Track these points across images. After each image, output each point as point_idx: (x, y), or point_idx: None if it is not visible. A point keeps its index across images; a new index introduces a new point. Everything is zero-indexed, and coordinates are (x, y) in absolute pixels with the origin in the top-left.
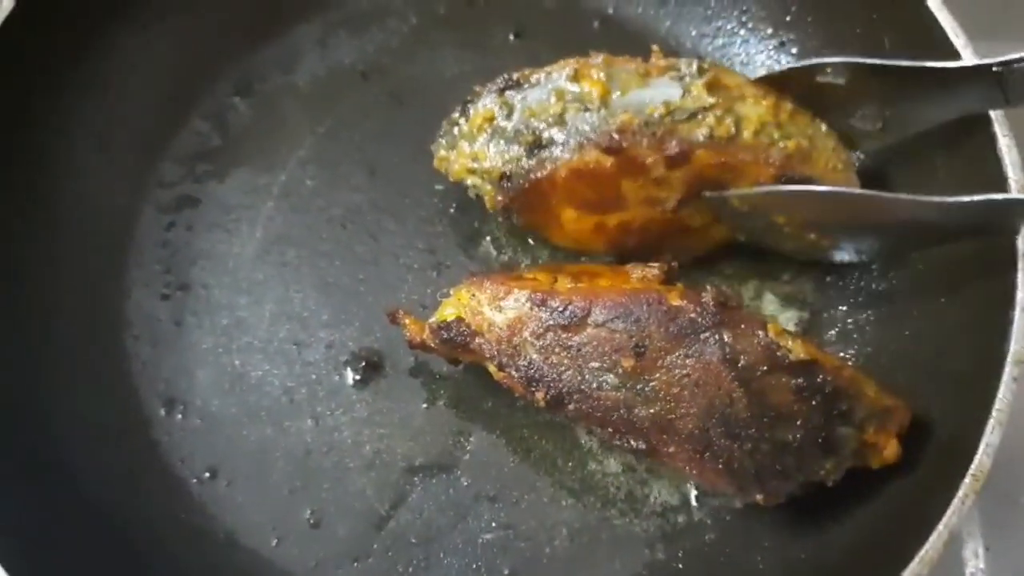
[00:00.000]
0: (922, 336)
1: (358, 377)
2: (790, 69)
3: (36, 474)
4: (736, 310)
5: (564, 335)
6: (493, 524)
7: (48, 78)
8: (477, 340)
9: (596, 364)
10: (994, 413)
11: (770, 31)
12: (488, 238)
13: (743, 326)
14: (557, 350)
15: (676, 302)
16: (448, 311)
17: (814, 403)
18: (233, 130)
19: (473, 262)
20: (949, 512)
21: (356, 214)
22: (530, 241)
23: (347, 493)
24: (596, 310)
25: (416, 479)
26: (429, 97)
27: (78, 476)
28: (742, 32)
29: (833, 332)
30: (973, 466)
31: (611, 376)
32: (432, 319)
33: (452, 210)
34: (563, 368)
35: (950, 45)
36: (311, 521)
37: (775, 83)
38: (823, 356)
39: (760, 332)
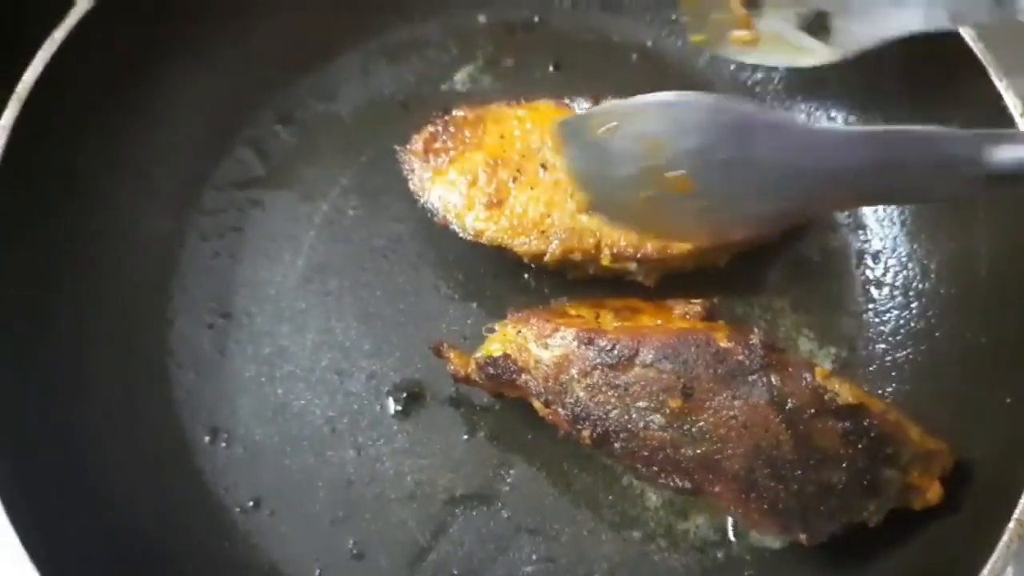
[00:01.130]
0: (962, 376)
1: (399, 407)
2: None
3: (77, 502)
4: (783, 353)
5: (611, 374)
6: (534, 557)
7: (92, 108)
8: (523, 377)
9: (643, 404)
10: None
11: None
12: (528, 272)
13: (790, 369)
14: (604, 389)
15: (724, 344)
16: (494, 347)
17: (860, 446)
18: (275, 158)
19: (514, 294)
20: (994, 557)
21: (398, 244)
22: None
23: (389, 524)
24: (644, 350)
25: (457, 511)
26: None
27: (120, 505)
28: (781, 67)
29: (871, 369)
30: (1018, 511)
31: (658, 416)
32: (478, 354)
33: None
34: (610, 407)
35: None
36: (354, 552)
37: None
38: (868, 399)
39: (807, 375)
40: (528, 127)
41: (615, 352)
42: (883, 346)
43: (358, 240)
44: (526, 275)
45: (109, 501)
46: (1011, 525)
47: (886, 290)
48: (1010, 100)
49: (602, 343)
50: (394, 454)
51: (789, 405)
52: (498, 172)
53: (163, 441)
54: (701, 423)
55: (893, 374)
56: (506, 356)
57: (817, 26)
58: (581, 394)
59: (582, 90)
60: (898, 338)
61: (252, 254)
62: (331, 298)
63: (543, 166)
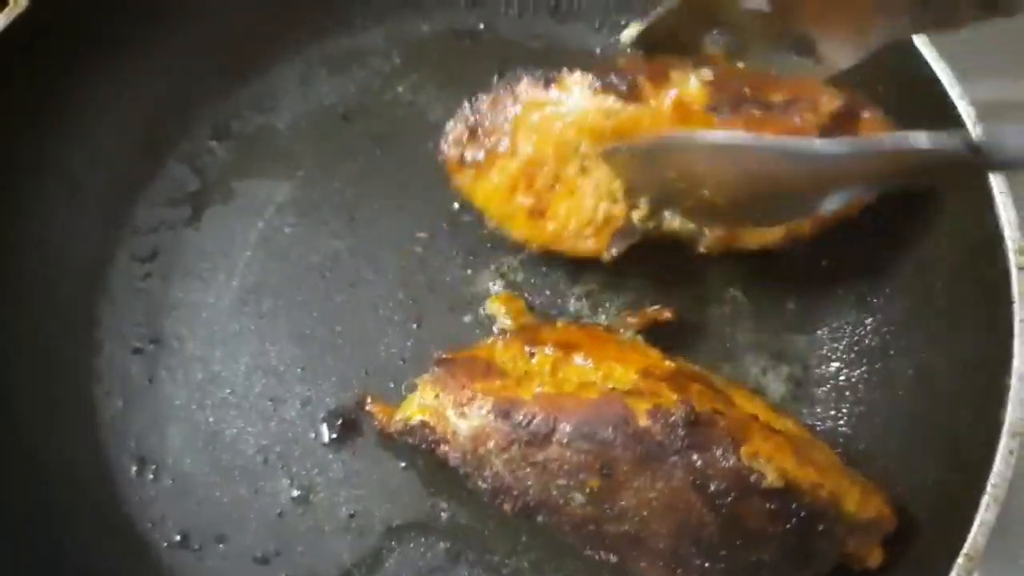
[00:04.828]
0: (917, 397)
1: (335, 435)
2: None
3: None
4: (708, 427)
5: (529, 450)
6: None
7: (20, 122)
8: (443, 447)
9: (563, 482)
10: (989, 488)
11: None
12: (470, 292)
13: (714, 448)
14: (523, 464)
15: (643, 422)
16: (413, 409)
17: (789, 526)
18: (210, 174)
19: (453, 314)
20: None
21: (335, 262)
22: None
23: (322, 557)
24: (561, 427)
25: (394, 542)
26: (412, 140)
27: (40, 539)
28: None
29: (825, 388)
30: (967, 546)
31: (579, 494)
32: (397, 417)
33: (433, 259)
34: (529, 483)
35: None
36: None
37: None
38: (801, 472)
39: (732, 456)
40: (558, 125)
41: (531, 428)
42: (838, 364)
43: (294, 258)
44: (468, 297)
45: (26, 537)
46: (959, 560)
47: (840, 305)
48: (963, 109)
49: (518, 417)
50: (329, 484)
51: (712, 488)
52: (536, 181)
53: (87, 471)
54: (623, 503)
55: (847, 393)
56: (424, 424)
57: (802, 48)
58: (500, 468)
59: None
60: (852, 356)
61: (184, 275)
62: (266, 320)
63: (583, 169)
